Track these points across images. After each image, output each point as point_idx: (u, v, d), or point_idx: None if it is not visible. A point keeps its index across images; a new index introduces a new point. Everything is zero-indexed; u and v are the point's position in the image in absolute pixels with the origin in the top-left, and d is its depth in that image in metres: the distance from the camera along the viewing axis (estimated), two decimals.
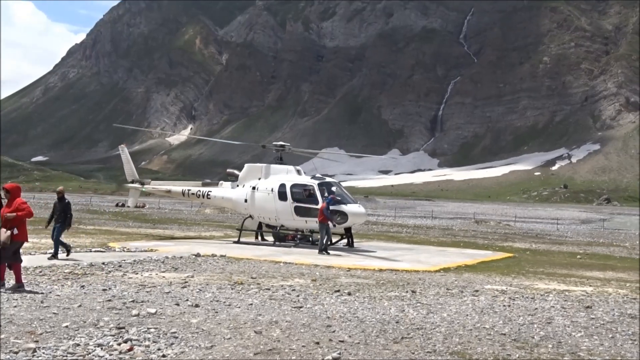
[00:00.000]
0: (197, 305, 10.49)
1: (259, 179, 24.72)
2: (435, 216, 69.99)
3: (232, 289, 12.49)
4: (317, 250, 22.08)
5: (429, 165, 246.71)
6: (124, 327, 8.48)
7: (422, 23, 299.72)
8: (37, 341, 7.61)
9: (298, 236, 24.72)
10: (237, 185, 25.58)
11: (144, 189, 29.19)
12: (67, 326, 8.44)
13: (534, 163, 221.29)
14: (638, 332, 9.58)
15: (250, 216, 25.02)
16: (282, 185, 23.59)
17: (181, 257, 17.87)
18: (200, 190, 26.98)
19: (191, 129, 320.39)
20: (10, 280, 11.80)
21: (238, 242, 24.40)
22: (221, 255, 18.79)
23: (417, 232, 38.58)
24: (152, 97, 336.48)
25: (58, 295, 10.82)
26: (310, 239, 24.55)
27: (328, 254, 20.74)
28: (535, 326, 9.75)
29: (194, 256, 18.27)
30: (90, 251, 18.61)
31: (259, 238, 25.31)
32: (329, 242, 21.66)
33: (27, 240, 11.14)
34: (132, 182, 29.33)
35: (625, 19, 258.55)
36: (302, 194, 23.28)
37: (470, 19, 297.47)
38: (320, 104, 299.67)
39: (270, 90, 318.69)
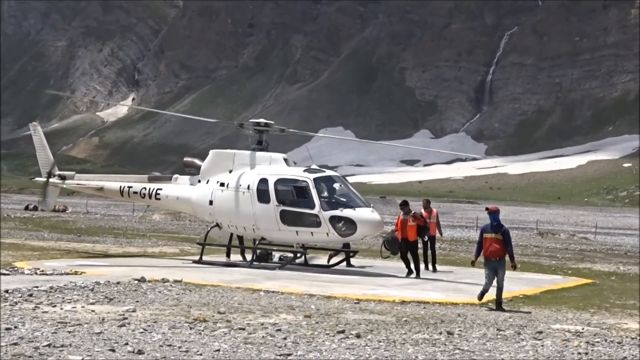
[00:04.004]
0: (140, 352, 10.53)
1: (230, 171, 24.89)
2: (481, 225, 69.16)
3: (190, 328, 12.61)
4: (312, 273, 22.09)
5: (473, 153, 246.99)
6: None
7: None
8: None
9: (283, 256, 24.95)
10: (199, 181, 25.76)
11: (65, 186, 29.28)
12: None
13: (622, 150, 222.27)
14: None
15: (218, 225, 25.20)
16: (264, 181, 23.79)
17: (118, 283, 18.01)
18: (145, 188, 27.16)
19: (133, 99, 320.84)
20: None
21: (200, 261, 24.63)
22: (176, 281, 18.92)
23: (454, 248, 38.61)
24: (77, 54, 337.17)
25: None
26: (304, 258, 24.79)
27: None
28: None
29: (136, 281, 18.44)
30: None
31: (239, 256, 25.42)
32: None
33: None
34: (49, 175, 29.25)
35: None
36: (292, 194, 23.52)
37: None
38: (318, 65, 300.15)
39: (246, 45, 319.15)
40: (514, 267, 17.33)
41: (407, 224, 22.55)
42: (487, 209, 17.58)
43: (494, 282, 16.98)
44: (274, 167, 24.41)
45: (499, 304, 16.72)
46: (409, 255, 22.85)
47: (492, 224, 17.03)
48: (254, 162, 24.69)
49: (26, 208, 64.09)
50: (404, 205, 23.21)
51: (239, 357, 10.60)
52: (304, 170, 23.93)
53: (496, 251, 16.74)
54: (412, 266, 22.90)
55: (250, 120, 26.63)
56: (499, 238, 16.78)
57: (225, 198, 24.53)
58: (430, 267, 24.81)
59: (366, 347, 11.64)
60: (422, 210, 24.78)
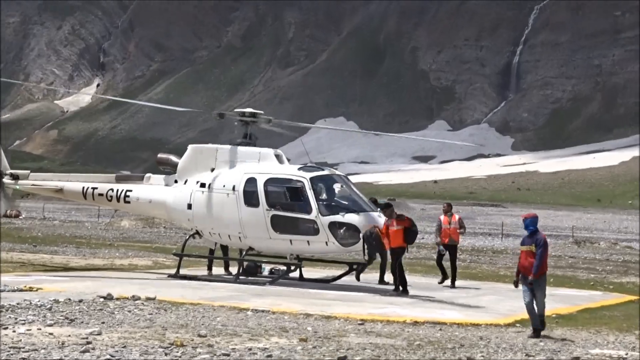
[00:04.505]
0: None
1: (212, 169, 25.03)
2: (507, 232, 69.42)
3: (166, 354, 12.58)
4: (308, 290, 22.15)
5: (498, 148, 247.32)
6: None
7: None
8: None
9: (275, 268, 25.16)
10: (176, 181, 25.90)
11: (17, 187, 29.19)
12: None
13: None
14: None
15: (198, 232, 25.43)
16: (251, 181, 23.93)
17: (81, 301, 18.01)
18: (112, 189, 27.22)
19: (98, 85, 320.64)
20: None
21: (176, 275, 24.85)
22: (148, 298, 19.01)
23: (476, 260, 38.70)
24: (31, 32, 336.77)
25: None
26: (298, 271, 24.94)
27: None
28: None
29: (102, 299, 18.50)
30: None
31: (222, 269, 25.61)
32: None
33: None
34: None
35: None
36: (285, 196, 23.68)
37: None
38: (315, 44, 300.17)
39: (231, 22, 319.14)
40: (530, 284, 16.37)
41: (390, 229, 22.34)
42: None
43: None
44: (263, 164, 24.47)
45: (536, 331, 16.29)
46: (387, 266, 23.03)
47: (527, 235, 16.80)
48: (240, 159, 24.71)
49: None
50: (386, 207, 23.20)
51: None
52: (299, 169, 24.02)
53: (529, 266, 16.29)
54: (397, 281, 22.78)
55: (236, 109, 26.67)
56: (533, 250, 16.35)
57: (207, 201, 24.60)
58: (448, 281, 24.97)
59: None
60: (442, 217, 24.88)
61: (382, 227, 22.55)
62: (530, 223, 16.54)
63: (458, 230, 25.24)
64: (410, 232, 22.64)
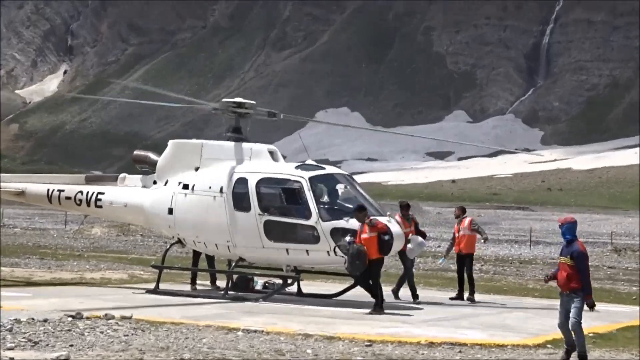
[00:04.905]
0: None
1: (197, 168, 25.12)
2: (537, 239, 69.47)
3: None
4: (307, 306, 22.09)
5: (525, 142, 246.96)
6: None
7: None
8: None
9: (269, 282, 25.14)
10: (155, 182, 25.97)
11: None
12: None
13: None
14: None
15: (180, 241, 25.50)
16: (242, 182, 23.96)
17: (46, 321, 17.88)
18: (82, 192, 27.21)
19: (66, 72, 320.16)
20: None
21: (156, 290, 24.83)
22: (123, 317, 18.99)
23: (500, 271, 38.65)
24: None
25: None
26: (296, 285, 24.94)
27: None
28: None
29: (70, 318, 18.44)
30: None
31: (209, 283, 25.51)
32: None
33: None
34: None
35: None
36: (281, 198, 23.79)
37: None
38: (314, 24, 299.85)
39: None
40: (591, 307, 16.14)
41: (361, 236, 21.93)
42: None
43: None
44: (255, 162, 24.49)
45: (570, 352, 16.05)
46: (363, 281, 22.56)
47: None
48: (228, 156, 24.78)
49: None
50: (360, 210, 22.56)
51: None
52: (297, 167, 23.98)
53: (565, 281, 15.95)
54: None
55: (223, 100, 26.61)
56: (569, 263, 15.96)
57: (190, 205, 24.65)
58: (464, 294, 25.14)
59: None
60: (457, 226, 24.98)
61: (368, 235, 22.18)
62: (567, 230, 16.05)
63: (478, 237, 25.35)
64: (383, 243, 21.94)
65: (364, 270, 21.84)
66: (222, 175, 24.26)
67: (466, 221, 25.24)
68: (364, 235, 21.74)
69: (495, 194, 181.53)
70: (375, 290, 22.15)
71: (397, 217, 24.23)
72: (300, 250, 23.18)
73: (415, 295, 24.68)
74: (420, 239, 24.59)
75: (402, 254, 24.43)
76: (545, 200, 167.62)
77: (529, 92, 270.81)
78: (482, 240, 27.06)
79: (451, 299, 25.24)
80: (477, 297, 25.46)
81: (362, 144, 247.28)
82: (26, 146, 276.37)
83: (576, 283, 15.86)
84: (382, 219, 22.97)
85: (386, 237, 21.96)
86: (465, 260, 25.13)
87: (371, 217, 22.17)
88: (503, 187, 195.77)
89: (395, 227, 23.10)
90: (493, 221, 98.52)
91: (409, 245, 24.06)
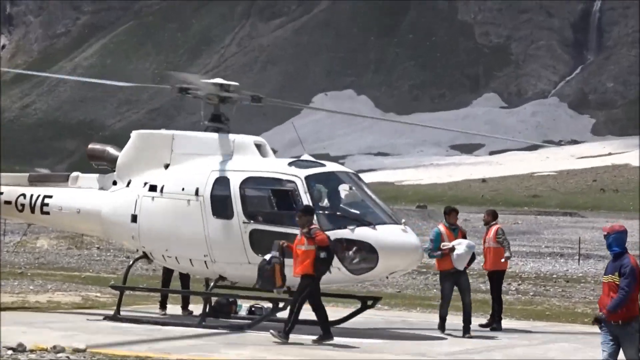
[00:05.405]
0: None
1: (167, 166, 25.38)
2: (587, 252, 70.24)
3: None
4: (303, 335, 21.71)
5: (572, 132, 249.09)
6: None
7: None
8: None
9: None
10: (115, 182, 26.09)
11: None
12: None
13: None
14: None
15: (146, 255, 25.55)
16: (222, 182, 24.08)
17: None
18: (24, 195, 27.32)
19: (4, 47, 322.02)
20: None
21: (116, 317, 24.76)
22: (76, 350, 19.02)
23: (542, 292, 39.45)
24: None
25: None
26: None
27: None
28: None
29: (10, 351, 18.57)
30: None
31: (180, 308, 26.02)
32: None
33: None
34: None
35: None
36: (270, 203, 24.01)
37: None
38: None
39: None
40: (598, 322, 15.60)
41: (297, 247, 21.57)
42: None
43: None
44: (239, 158, 24.66)
45: None
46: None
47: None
48: (206, 151, 25.01)
49: None
50: (305, 213, 22.17)
51: None
52: (290, 164, 24.06)
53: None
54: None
55: (201, 80, 26.35)
56: (617, 282, 15.19)
57: (159, 211, 24.92)
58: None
59: None
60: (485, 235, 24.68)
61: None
62: (614, 241, 15.36)
63: (504, 251, 24.89)
64: (322, 261, 21.67)
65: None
66: (198, 174, 24.56)
67: (492, 230, 24.89)
68: (300, 247, 21.55)
69: (535, 196, 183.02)
70: (290, 314, 21.95)
71: (441, 228, 24.03)
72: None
73: (467, 329, 24.26)
74: (465, 240, 24.01)
75: (458, 284, 24.05)
76: (597, 203, 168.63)
77: (576, 70, 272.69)
78: (503, 259, 25.96)
79: (481, 325, 25.03)
80: (514, 323, 25.89)
81: (370, 135, 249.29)
82: None
83: (632, 311, 15.17)
84: (395, 228, 23.14)
85: (322, 255, 21.63)
86: (493, 278, 25.23)
87: (311, 226, 21.62)
88: (545, 187, 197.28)
89: (410, 238, 23.07)
90: (533, 230, 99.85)
91: (454, 253, 23.52)
